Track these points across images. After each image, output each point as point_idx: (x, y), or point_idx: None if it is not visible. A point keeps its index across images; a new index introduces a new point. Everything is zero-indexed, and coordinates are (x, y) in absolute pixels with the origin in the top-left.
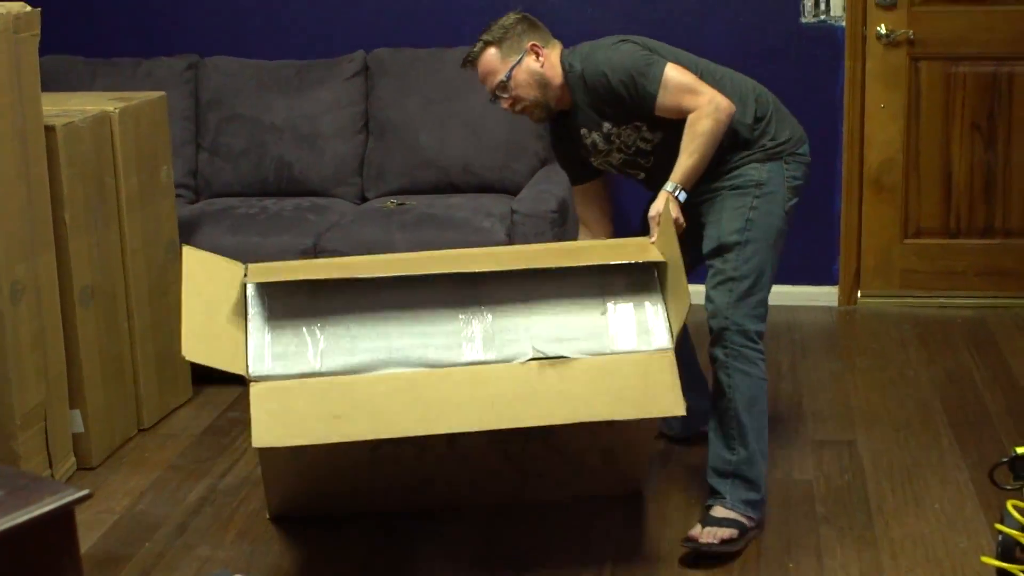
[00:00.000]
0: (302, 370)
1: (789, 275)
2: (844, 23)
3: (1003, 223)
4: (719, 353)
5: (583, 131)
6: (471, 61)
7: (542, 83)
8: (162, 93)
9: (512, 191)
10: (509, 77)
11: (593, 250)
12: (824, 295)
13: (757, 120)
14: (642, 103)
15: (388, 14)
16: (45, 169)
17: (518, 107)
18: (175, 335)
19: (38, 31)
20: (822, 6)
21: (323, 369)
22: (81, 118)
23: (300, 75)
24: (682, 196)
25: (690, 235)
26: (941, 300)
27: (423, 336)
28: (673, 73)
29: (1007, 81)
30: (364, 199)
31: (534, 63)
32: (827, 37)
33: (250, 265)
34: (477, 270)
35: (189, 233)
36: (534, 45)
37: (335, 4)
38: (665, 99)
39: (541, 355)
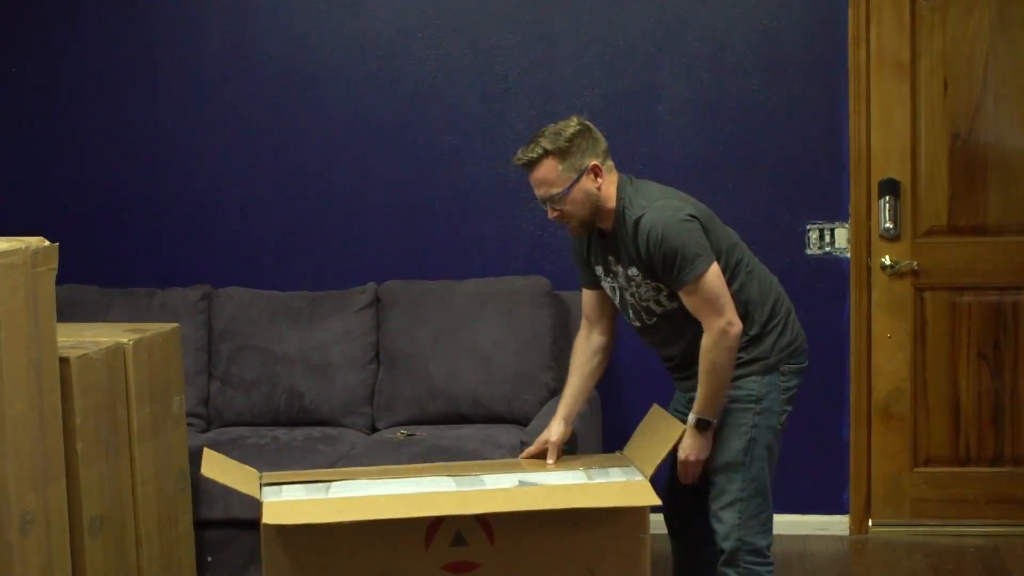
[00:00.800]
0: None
1: (799, 505)
2: (849, 255)
3: (1012, 451)
4: (732, 573)
5: (611, 257)
6: (524, 164)
7: (595, 205)
8: (175, 325)
9: (522, 422)
10: (567, 193)
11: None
12: (835, 524)
13: (769, 321)
14: (669, 280)
15: (399, 247)
16: (58, 400)
17: (563, 220)
18: (184, 566)
19: (55, 265)
20: (827, 238)
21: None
22: (95, 350)
23: (312, 306)
24: (704, 423)
25: None
26: (952, 529)
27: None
28: (710, 279)
29: (1011, 310)
30: (374, 429)
31: (592, 184)
32: (832, 268)
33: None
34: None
35: (199, 462)
36: (595, 166)
37: (346, 237)
38: (689, 297)
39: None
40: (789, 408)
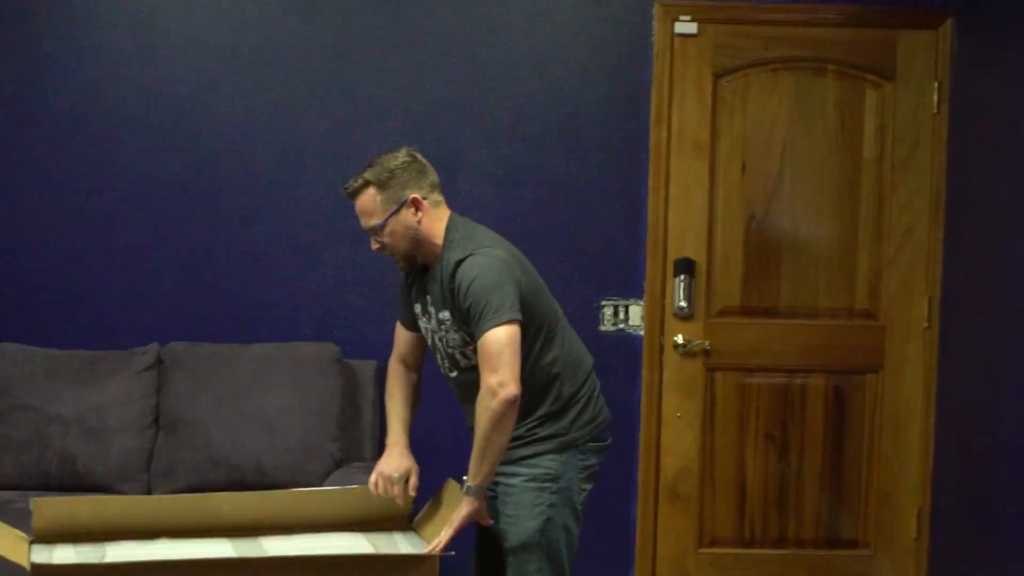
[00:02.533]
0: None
1: None
2: (642, 332)
3: (796, 533)
4: None
5: (428, 296)
6: (349, 194)
7: (415, 238)
8: None
9: None
10: (384, 225)
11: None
12: None
13: (573, 397)
14: (471, 327)
15: (185, 308)
16: None
17: (385, 251)
18: None
19: None
20: (621, 315)
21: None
22: None
23: (91, 366)
24: (481, 491)
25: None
26: None
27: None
28: (502, 335)
29: (799, 393)
30: None
31: (411, 217)
32: (625, 346)
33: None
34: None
35: None
36: (415, 199)
37: (131, 295)
38: (479, 350)
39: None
40: (588, 486)
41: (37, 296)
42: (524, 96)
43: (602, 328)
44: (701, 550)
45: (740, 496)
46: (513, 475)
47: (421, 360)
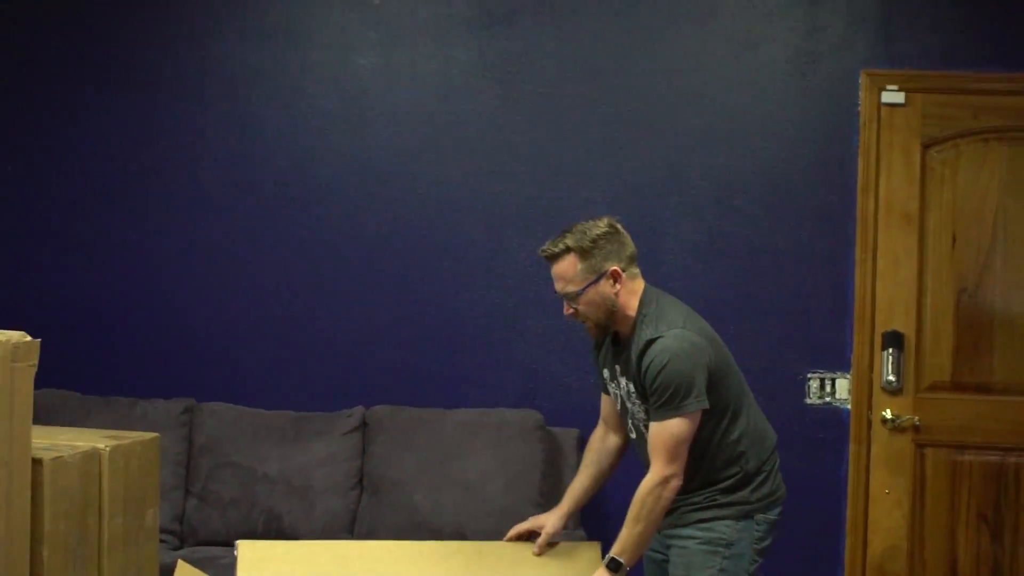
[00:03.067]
0: None
1: None
2: (849, 406)
3: None
4: None
5: (617, 366)
6: (548, 257)
7: (611, 309)
8: (156, 435)
9: None
10: (581, 293)
11: None
12: None
13: (757, 470)
14: (651, 405)
15: (390, 372)
16: (28, 502)
17: (578, 318)
18: None
19: (35, 362)
20: (828, 388)
21: None
22: (70, 453)
23: (297, 426)
24: (615, 564)
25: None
26: None
27: None
28: (684, 426)
29: (1014, 472)
30: None
31: (609, 289)
32: (832, 419)
33: None
34: None
35: None
36: (615, 271)
37: (337, 359)
38: (656, 432)
39: None
40: (760, 560)
41: (246, 357)
42: (729, 165)
43: (808, 401)
44: None
45: None
46: (688, 537)
47: (623, 424)
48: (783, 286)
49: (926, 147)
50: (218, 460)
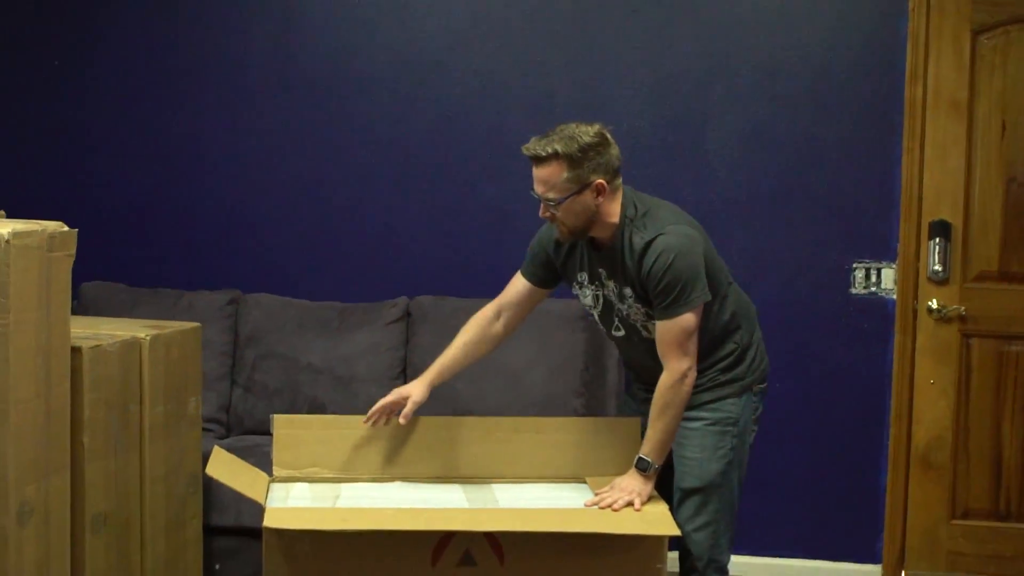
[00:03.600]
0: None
1: (831, 551)
2: (895, 296)
3: None
4: None
5: (601, 270)
6: (534, 158)
7: (589, 218)
8: (197, 324)
9: None
10: (562, 201)
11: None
12: (867, 573)
13: (749, 343)
14: (658, 304)
15: (433, 263)
16: (67, 390)
17: (553, 221)
18: (189, 570)
19: (72, 252)
20: (873, 278)
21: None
22: (110, 342)
23: (341, 317)
24: (645, 464)
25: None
26: None
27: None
28: (692, 321)
29: None
30: None
31: (591, 199)
32: (877, 309)
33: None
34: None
35: None
36: (600, 185)
37: (380, 250)
38: (665, 330)
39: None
40: (756, 428)
41: (290, 249)
42: (774, 53)
43: (853, 291)
44: (953, 521)
45: (996, 467)
46: (695, 419)
47: (520, 320)
48: (828, 176)
49: (976, 34)
50: (263, 350)
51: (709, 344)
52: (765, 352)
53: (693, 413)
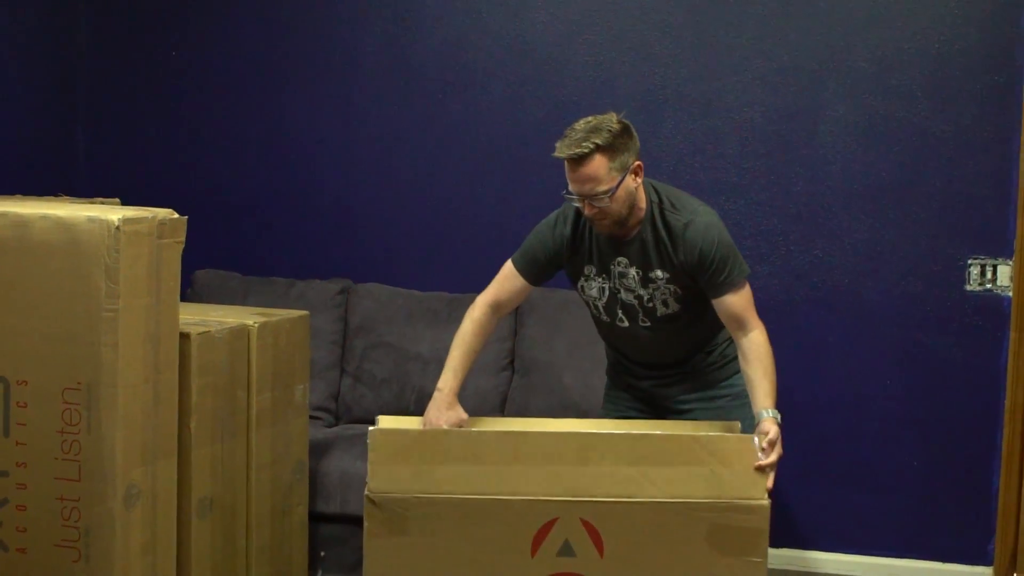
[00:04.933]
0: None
1: (940, 552)
2: (1011, 293)
3: None
4: None
5: (621, 259)
6: (575, 159)
7: (631, 204)
8: (305, 312)
9: None
10: (615, 191)
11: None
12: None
13: None
14: (711, 283)
15: None
16: (175, 376)
17: (600, 216)
18: (294, 557)
19: (182, 239)
20: (988, 275)
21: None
22: (218, 329)
23: (450, 307)
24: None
25: None
26: None
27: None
28: (749, 287)
29: None
30: None
31: (632, 183)
32: (993, 307)
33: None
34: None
35: (320, 455)
36: (639, 166)
37: (491, 240)
38: (735, 299)
39: None
40: None
41: (401, 239)
42: (889, 45)
43: (968, 287)
44: None
45: None
46: (718, 397)
47: (508, 314)
48: (944, 169)
49: None
50: (373, 340)
51: (713, 321)
52: None
53: (711, 392)
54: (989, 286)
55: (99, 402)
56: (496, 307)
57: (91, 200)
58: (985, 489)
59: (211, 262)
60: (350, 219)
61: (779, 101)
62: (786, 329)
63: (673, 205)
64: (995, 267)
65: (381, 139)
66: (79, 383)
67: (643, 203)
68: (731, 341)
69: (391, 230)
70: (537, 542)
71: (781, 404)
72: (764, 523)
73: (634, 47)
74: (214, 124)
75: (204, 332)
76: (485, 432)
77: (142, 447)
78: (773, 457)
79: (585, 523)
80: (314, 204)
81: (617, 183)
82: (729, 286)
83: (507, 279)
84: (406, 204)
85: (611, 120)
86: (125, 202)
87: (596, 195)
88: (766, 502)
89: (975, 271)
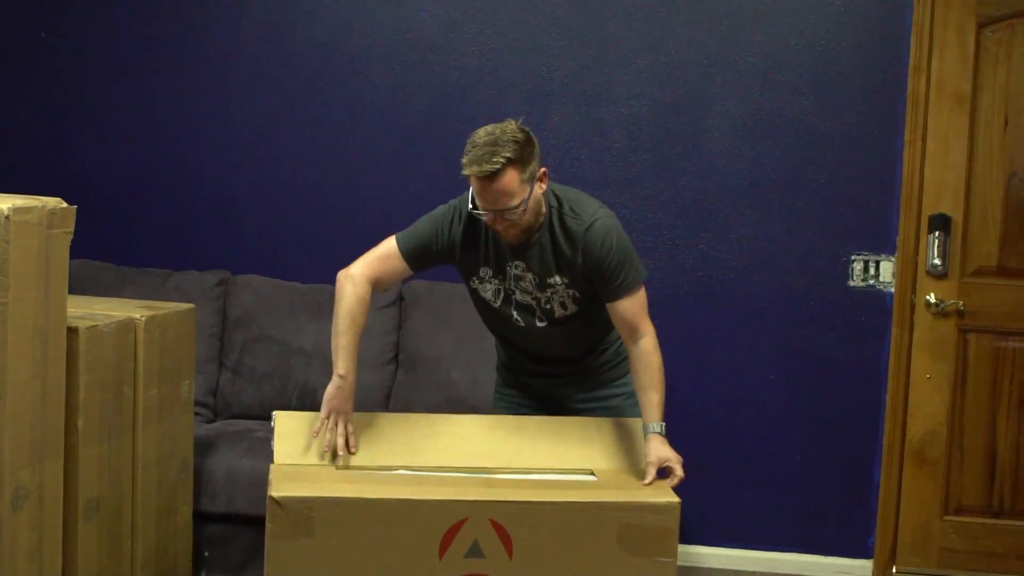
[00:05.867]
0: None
1: (822, 546)
2: (893, 289)
3: None
4: None
5: (518, 263)
6: (487, 176)
7: (539, 213)
8: (191, 306)
9: None
10: (526, 202)
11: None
12: (858, 569)
13: None
14: (606, 288)
15: None
16: (63, 372)
17: (509, 228)
18: (179, 558)
19: (71, 229)
20: (871, 271)
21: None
22: (106, 322)
23: (332, 300)
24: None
25: None
26: None
27: None
28: (643, 291)
29: None
30: None
31: (539, 190)
32: (875, 303)
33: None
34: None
35: (204, 452)
36: (544, 172)
37: (373, 232)
38: (629, 304)
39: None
40: None
41: (281, 229)
42: (776, 41)
43: (851, 283)
44: (946, 517)
45: (990, 464)
46: (612, 396)
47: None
48: (829, 167)
49: (981, 26)
50: (254, 334)
51: (607, 320)
52: None
53: (606, 392)
54: (872, 282)
55: None
56: (376, 284)
57: None
58: (866, 483)
59: (83, 252)
60: (229, 209)
61: (666, 95)
62: (671, 324)
63: (572, 209)
64: (878, 263)
65: (261, 128)
66: None
67: (544, 208)
68: (617, 350)
69: (271, 221)
70: (445, 543)
71: (667, 398)
72: (674, 523)
73: (520, 39)
74: (86, 109)
75: (92, 326)
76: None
77: (29, 446)
78: (675, 482)
79: (494, 524)
80: (190, 192)
81: (528, 195)
82: (624, 291)
83: (389, 259)
84: (287, 194)
85: (514, 130)
86: None
87: (509, 210)
88: (676, 501)
89: (858, 267)
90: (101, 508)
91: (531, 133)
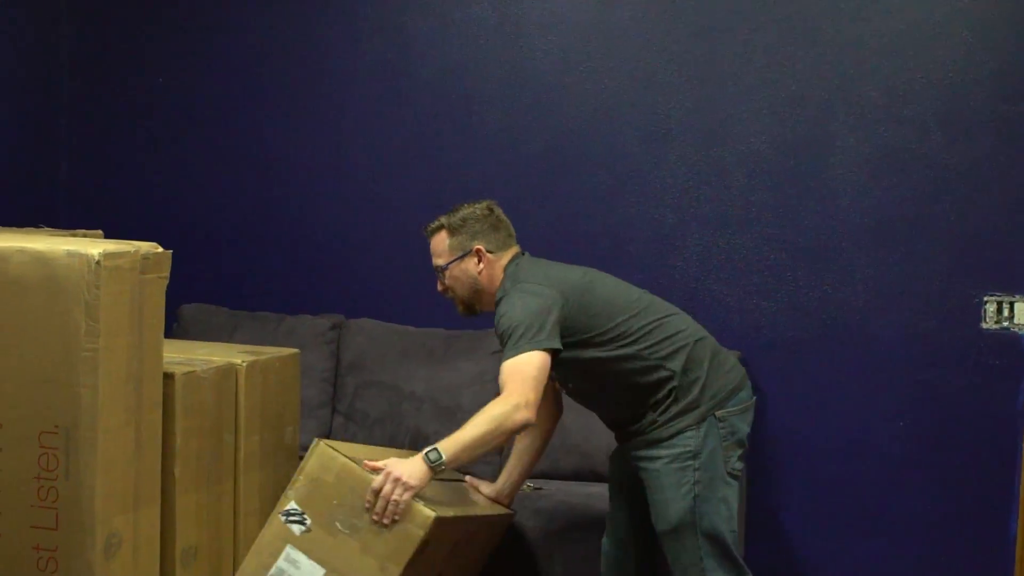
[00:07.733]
0: None
1: None
2: None
3: None
4: None
5: None
6: (427, 233)
7: (474, 287)
8: (295, 351)
9: None
10: (446, 268)
11: None
12: None
13: (688, 368)
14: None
15: None
16: (159, 418)
17: (448, 294)
18: None
19: (167, 274)
20: (1005, 312)
21: None
22: (204, 368)
23: (446, 345)
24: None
25: (635, 497)
26: None
27: None
28: (523, 362)
29: None
30: None
31: (473, 267)
32: (1010, 346)
33: None
34: None
35: None
36: (479, 250)
37: None
38: (506, 366)
39: None
40: (739, 451)
41: (395, 274)
42: (901, 75)
43: (984, 326)
44: None
45: None
46: (655, 458)
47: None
48: (960, 203)
49: None
50: (365, 378)
51: (637, 384)
52: (731, 370)
53: (652, 452)
54: (1006, 324)
55: (78, 446)
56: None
57: (73, 232)
58: (1002, 536)
59: (198, 296)
60: (343, 253)
61: (787, 132)
62: (793, 368)
63: (506, 287)
64: (1012, 304)
65: (375, 170)
66: (57, 426)
67: (496, 284)
68: (673, 398)
69: (385, 264)
70: None
71: (787, 445)
72: None
73: (636, 76)
74: (200, 154)
75: (189, 372)
76: None
77: (123, 494)
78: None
79: None
80: (306, 237)
81: (452, 259)
82: (507, 354)
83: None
84: (400, 238)
85: (476, 206)
86: (108, 235)
87: (436, 268)
88: None
89: (991, 308)
90: (199, 556)
91: (496, 216)
